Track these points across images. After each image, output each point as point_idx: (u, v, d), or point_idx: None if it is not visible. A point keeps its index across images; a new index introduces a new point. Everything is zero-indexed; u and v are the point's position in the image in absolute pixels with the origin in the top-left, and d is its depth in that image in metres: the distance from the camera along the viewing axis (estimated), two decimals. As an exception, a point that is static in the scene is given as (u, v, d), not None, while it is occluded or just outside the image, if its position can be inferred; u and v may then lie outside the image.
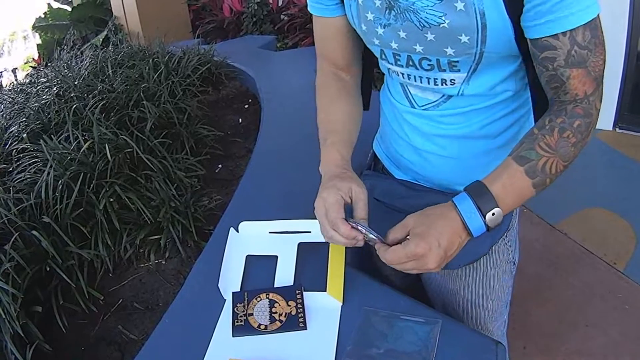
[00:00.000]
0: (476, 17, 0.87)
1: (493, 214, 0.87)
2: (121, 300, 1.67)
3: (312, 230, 1.33)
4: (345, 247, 1.27)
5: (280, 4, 6.09)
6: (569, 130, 0.89)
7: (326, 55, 1.23)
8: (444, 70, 1.00)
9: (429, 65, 1.01)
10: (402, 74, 1.08)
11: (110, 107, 2.63)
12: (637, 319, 2.42)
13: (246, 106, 3.20)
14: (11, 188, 1.95)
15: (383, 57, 1.09)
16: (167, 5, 6.51)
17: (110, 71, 3.18)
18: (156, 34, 4.38)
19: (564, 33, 0.82)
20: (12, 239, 1.62)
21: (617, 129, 4.56)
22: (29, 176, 2.04)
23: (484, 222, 0.87)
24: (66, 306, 1.60)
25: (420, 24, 0.93)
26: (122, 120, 2.49)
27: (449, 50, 0.94)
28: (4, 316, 1.42)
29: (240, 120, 2.97)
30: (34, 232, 1.66)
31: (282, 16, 5.88)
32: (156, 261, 1.79)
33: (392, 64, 1.08)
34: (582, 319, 2.45)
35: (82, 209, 1.80)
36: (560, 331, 2.41)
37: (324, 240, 1.08)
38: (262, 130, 2.51)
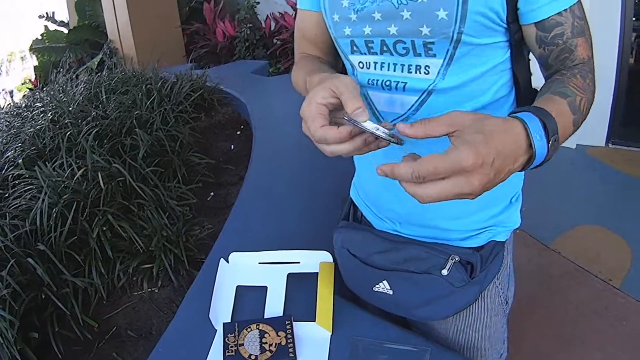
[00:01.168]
0: None
1: (555, 140, 0.72)
2: (115, 327, 1.70)
3: (301, 260, 1.38)
4: (334, 277, 1.31)
5: (272, 28, 6.21)
6: (588, 79, 0.89)
7: (305, 50, 1.21)
8: (419, 55, 0.94)
9: (404, 48, 0.95)
10: (376, 63, 1.01)
11: (104, 133, 2.68)
12: (635, 334, 2.39)
13: (238, 132, 3.26)
14: (7, 214, 1.99)
15: (354, 49, 1.03)
16: (161, 29, 6.61)
17: (104, 97, 3.23)
18: (150, 58, 4.44)
19: (566, 9, 0.87)
20: (9, 266, 1.66)
21: (610, 145, 4.61)
22: (24, 202, 2.08)
23: (547, 147, 0.71)
24: (62, 333, 1.64)
25: (397, 1, 0.90)
26: (115, 147, 2.54)
27: (425, 30, 0.89)
28: (1, 341, 1.46)
29: (232, 146, 3.02)
30: (29, 260, 1.70)
31: (274, 40, 5.99)
32: (149, 289, 1.82)
33: (364, 53, 1.01)
34: (579, 337, 2.42)
35: (76, 236, 1.84)
36: (557, 350, 2.37)
37: (313, 271, 1.12)
38: (253, 157, 2.56)
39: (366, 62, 1.03)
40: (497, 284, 1.15)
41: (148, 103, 3.11)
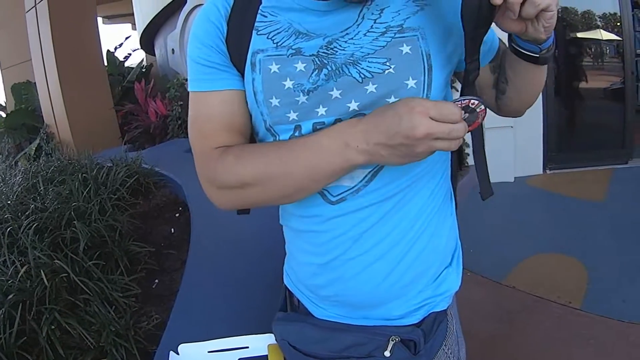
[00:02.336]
0: (423, 60, 0.86)
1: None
2: None
3: (250, 345, 1.48)
4: (284, 357, 1.29)
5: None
6: None
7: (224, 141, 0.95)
8: None
9: None
10: None
11: (44, 227, 2.73)
12: (604, 350, 2.34)
13: (177, 215, 3.35)
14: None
15: (297, 134, 0.89)
16: (96, 112, 6.70)
17: (42, 188, 3.28)
18: (87, 142, 4.51)
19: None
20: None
21: (548, 171, 4.87)
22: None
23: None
24: None
25: (360, 76, 0.85)
26: (56, 241, 2.59)
27: (392, 100, 0.84)
28: None
29: (172, 230, 3.11)
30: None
31: (206, 118, 6.12)
32: (102, 384, 1.87)
33: (306, 134, 0.89)
34: (549, 367, 2.30)
35: (26, 336, 1.88)
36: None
37: (262, 354, 1.16)
38: (192, 241, 2.67)
39: None
40: (445, 351, 1.09)
41: (85, 193, 3.18)
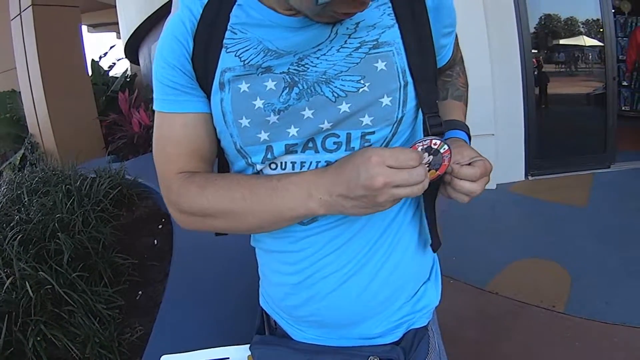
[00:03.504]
0: (398, 76, 0.84)
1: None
2: None
3: (230, 356, 1.55)
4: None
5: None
6: (463, 72, 1.17)
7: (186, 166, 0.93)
8: (353, 148, 0.85)
9: (334, 143, 0.85)
10: (294, 163, 0.87)
11: (29, 238, 2.77)
12: (590, 351, 2.36)
13: (160, 226, 3.40)
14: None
15: (268, 156, 0.87)
16: (80, 122, 6.72)
17: (26, 199, 3.32)
18: (70, 153, 4.54)
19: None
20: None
21: (530, 177, 4.88)
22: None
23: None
24: None
25: (333, 95, 0.83)
26: (40, 253, 2.63)
27: (366, 120, 0.83)
28: None
29: (155, 241, 3.16)
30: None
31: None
32: (86, 395, 1.92)
33: (279, 155, 0.86)
34: (536, 371, 2.28)
35: (12, 348, 1.93)
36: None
37: None
38: (175, 252, 2.72)
39: (281, 163, 0.88)
40: None
41: (69, 204, 3.22)
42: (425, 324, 1.04)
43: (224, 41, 0.86)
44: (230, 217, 0.85)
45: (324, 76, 0.83)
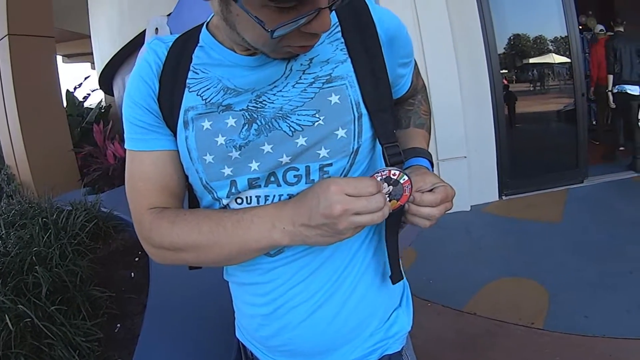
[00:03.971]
0: (352, 108, 0.87)
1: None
2: None
3: None
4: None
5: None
6: (425, 99, 1.19)
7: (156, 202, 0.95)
8: (312, 181, 0.87)
9: (295, 177, 0.88)
10: (258, 197, 0.90)
11: (7, 271, 2.80)
12: None
13: (136, 259, 3.43)
14: None
15: (233, 191, 0.90)
16: (55, 153, 6.71)
17: (3, 232, 3.34)
18: (46, 185, 4.55)
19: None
20: None
21: (504, 197, 4.90)
22: None
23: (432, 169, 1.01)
24: None
25: (290, 130, 0.85)
26: (19, 286, 2.66)
27: (323, 152, 0.86)
28: None
29: (132, 274, 3.20)
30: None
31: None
32: None
33: (243, 189, 0.90)
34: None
35: (-7, 383, 1.97)
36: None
37: None
38: (152, 284, 2.77)
39: (246, 198, 0.91)
40: None
41: (45, 238, 3.24)
42: (399, 350, 1.06)
43: (187, 81, 0.91)
44: (199, 250, 0.87)
45: (280, 112, 0.86)
